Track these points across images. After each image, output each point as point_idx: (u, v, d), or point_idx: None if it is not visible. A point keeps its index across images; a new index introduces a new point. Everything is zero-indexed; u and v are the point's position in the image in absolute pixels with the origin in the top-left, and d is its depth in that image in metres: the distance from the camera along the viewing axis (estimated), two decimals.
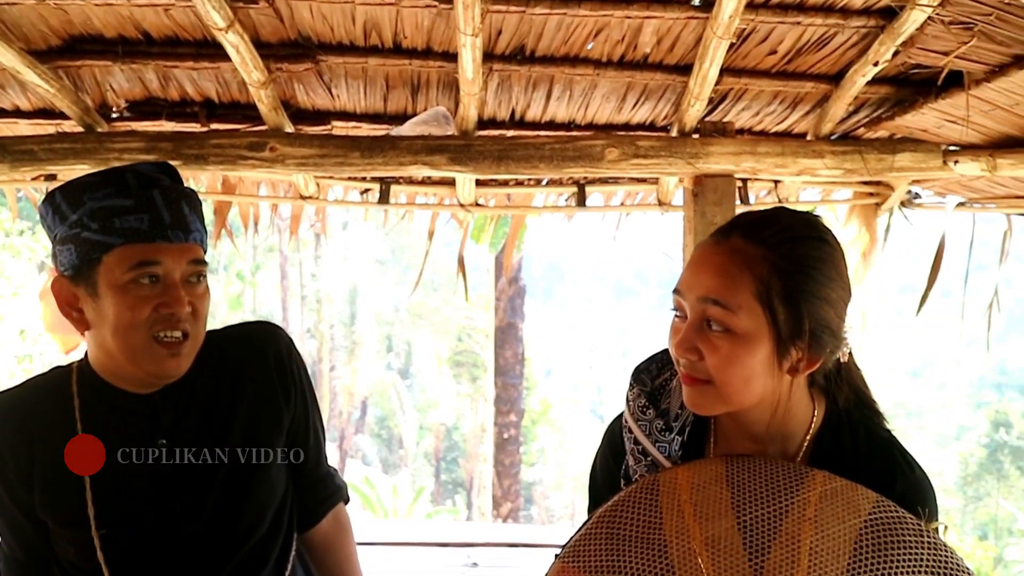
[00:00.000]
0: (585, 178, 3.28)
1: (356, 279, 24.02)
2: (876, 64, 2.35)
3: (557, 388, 29.01)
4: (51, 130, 2.84)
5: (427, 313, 25.92)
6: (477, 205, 3.36)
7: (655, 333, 1.47)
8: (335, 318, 23.46)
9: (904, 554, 1.13)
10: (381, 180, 3.28)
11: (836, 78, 2.61)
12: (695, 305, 1.18)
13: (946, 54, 2.29)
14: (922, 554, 1.14)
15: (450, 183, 3.27)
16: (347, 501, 1.73)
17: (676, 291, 1.22)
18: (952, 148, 2.76)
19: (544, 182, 3.34)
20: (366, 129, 2.90)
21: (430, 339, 25.10)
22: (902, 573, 1.12)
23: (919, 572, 1.12)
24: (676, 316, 1.23)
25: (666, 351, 1.38)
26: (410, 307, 26.41)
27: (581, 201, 3.32)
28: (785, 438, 1.26)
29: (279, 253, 22.26)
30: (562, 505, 23.37)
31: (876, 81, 2.55)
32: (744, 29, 2.37)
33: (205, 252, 1.41)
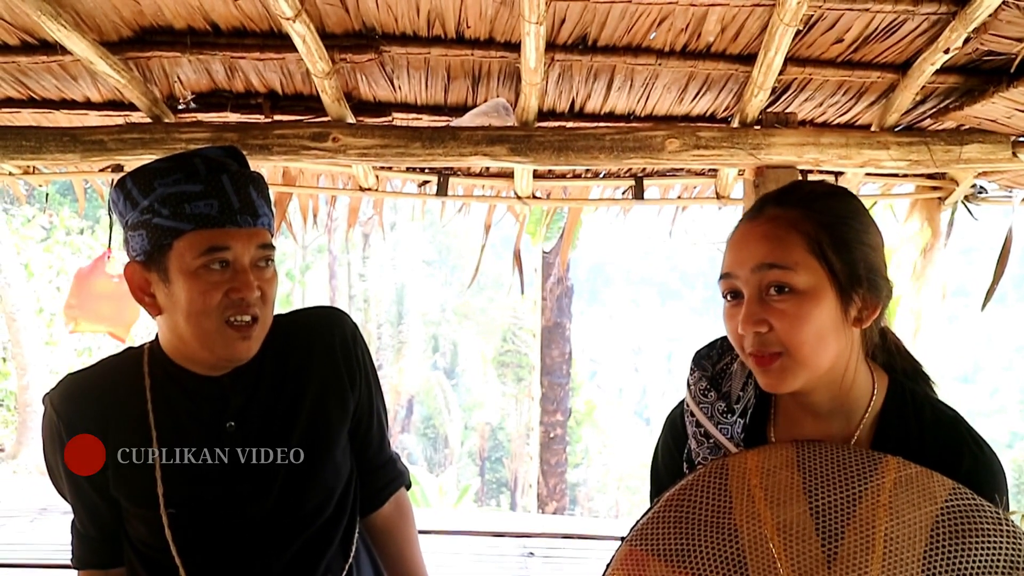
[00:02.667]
0: (643, 170, 3.27)
1: (403, 279, 24.20)
2: (947, 52, 2.30)
3: (602, 390, 28.90)
4: (120, 121, 2.91)
5: (473, 313, 26.04)
6: (534, 198, 3.37)
7: (700, 336, 1.46)
8: (382, 318, 23.67)
9: (982, 542, 1.11)
10: (439, 172, 3.31)
11: (903, 67, 2.56)
12: (750, 278, 1.18)
13: (1020, 40, 2.24)
14: (1000, 542, 1.12)
15: (508, 176, 3.29)
16: (409, 486, 1.75)
17: (725, 276, 1.23)
18: (1023, 139, 2.70)
19: (602, 175, 3.34)
20: (426, 120, 2.92)
21: (476, 339, 25.21)
22: (980, 561, 1.10)
23: (997, 561, 1.10)
24: (728, 302, 1.23)
25: (726, 338, 1.38)
26: (456, 307, 26.54)
27: (639, 194, 3.31)
28: (847, 413, 1.25)
29: (328, 253, 22.52)
30: (606, 507, 23.30)
31: (944, 70, 2.50)
32: (811, 16, 2.34)
33: (273, 236, 1.43)
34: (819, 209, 1.19)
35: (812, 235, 1.16)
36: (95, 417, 1.44)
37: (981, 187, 3.28)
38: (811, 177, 3.17)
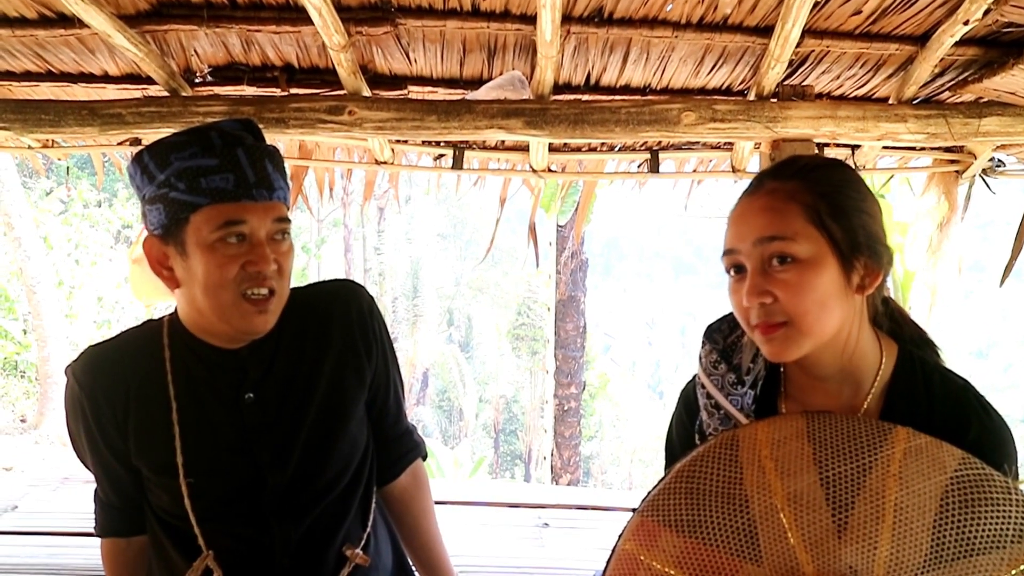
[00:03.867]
0: (659, 144, 3.26)
1: (418, 253, 24.24)
2: (966, 23, 2.28)
3: (616, 363, 28.95)
4: (137, 94, 2.92)
5: (487, 287, 26.08)
6: (549, 171, 3.36)
7: (714, 310, 1.48)
8: (398, 291, 23.74)
9: (991, 511, 1.12)
10: (454, 146, 3.31)
11: (922, 39, 2.53)
12: (752, 252, 1.20)
13: None
14: (1009, 511, 1.13)
15: (523, 149, 3.28)
16: (425, 457, 1.76)
17: (727, 252, 1.25)
18: None
19: (617, 148, 3.33)
20: (442, 94, 2.91)
21: (490, 313, 25.27)
22: (989, 530, 1.11)
23: (1007, 529, 1.12)
24: (732, 277, 1.25)
25: None
26: (471, 281, 26.58)
27: (654, 168, 3.30)
28: (856, 382, 1.27)
29: (343, 227, 22.57)
30: (619, 479, 23.42)
31: (963, 42, 2.47)
32: None
33: (288, 210, 1.43)
34: (816, 179, 1.21)
35: (811, 205, 1.18)
36: (115, 388, 1.46)
37: (999, 160, 3.26)
38: (827, 151, 3.16)
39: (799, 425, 1.20)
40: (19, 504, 4.17)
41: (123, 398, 1.46)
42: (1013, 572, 1.09)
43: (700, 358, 1.41)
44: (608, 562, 1.21)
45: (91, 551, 3.37)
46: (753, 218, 1.21)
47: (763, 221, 1.20)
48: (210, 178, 1.31)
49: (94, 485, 1.59)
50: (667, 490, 1.21)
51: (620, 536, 1.21)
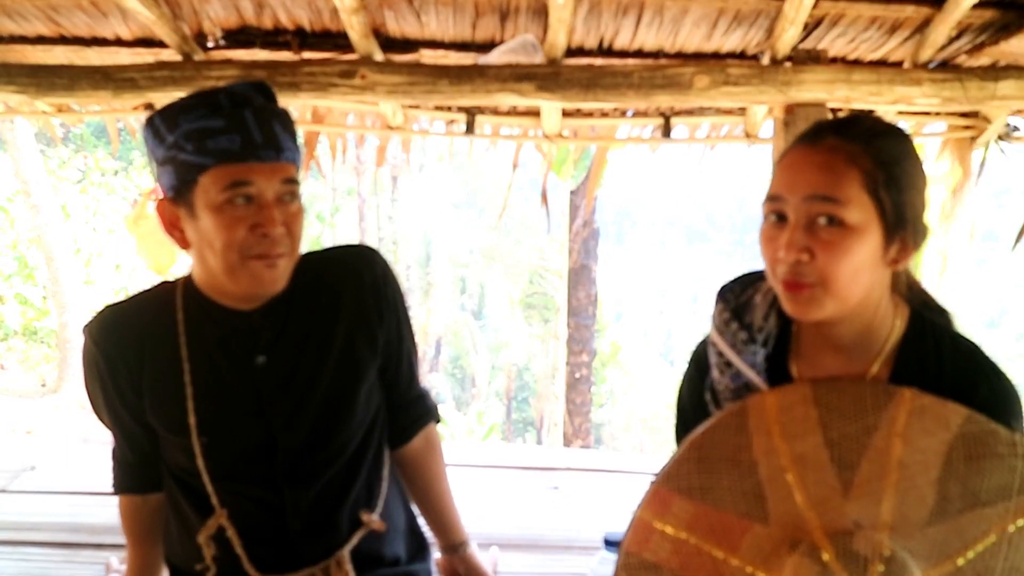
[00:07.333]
0: (672, 108, 3.25)
1: (431, 222, 24.21)
2: None
3: (627, 332, 28.97)
4: (150, 59, 2.93)
5: (500, 255, 26.05)
6: (562, 136, 3.36)
7: (726, 278, 1.48)
8: (411, 259, 23.74)
9: (996, 465, 1.14)
10: (467, 111, 3.31)
11: (938, 1, 2.51)
12: (800, 206, 1.18)
13: None
14: (1015, 465, 1.14)
15: (535, 114, 3.27)
16: (438, 421, 1.76)
17: (773, 197, 1.23)
18: None
19: (629, 113, 3.32)
20: (454, 58, 2.91)
21: (503, 281, 25.26)
22: (994, 483, 1.13)
23: (1012, 482, 1.13)
24: (770, 223, 1.24)
25: (751, 274, 1.40)
26: (483, 250, 26.56)
27: (667, 133, 3.29)
28: (868, 344, 1.27)
29: (357, 196, 22.55)
30: (630, 447, 23.49)
31: (981, 4, 2.43)
32: None
33: (299, 171, 1.42)
34: (879, 147, 1.18)
35: (869, 172, 1.16)
36: (131, 347, 1.48)
37: (1015, 126, 3.23)
38: (841, 116, 3.13)
39: (805, 391, 1.22)
40: (37, 464, 4.23)
41: (137, 357, 1.47)
42: (1019, 521, 1.11)
43: (712, 317, 1.42)
44: (627, 532, 1.24)
45: (108, 510, 3.43)
46: (808, 172, 1.18)
47: (819, 179, 1.17)
48: (217, 139, 1.31)
49: (112, 444, 1.60)
50: (681, 460, 1.24)
51: (637, 507, 1.24)
